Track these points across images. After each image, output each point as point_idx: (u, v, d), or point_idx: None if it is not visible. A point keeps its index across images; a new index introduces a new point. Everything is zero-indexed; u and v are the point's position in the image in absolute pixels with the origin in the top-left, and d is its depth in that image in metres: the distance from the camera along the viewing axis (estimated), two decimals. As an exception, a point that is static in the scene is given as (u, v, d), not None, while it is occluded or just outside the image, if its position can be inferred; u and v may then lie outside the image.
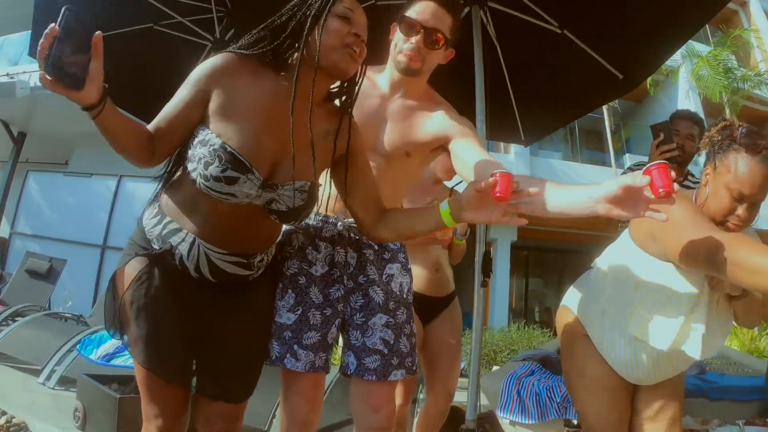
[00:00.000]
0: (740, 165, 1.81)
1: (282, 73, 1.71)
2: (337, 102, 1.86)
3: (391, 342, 1.91)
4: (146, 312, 1.63)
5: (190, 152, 1.62)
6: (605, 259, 2.26)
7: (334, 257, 1.97)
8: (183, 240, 1.65)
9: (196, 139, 1.61)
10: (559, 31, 4.03)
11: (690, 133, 3.30)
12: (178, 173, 1.76)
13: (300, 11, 1.67)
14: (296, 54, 1.66)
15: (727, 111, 16.05)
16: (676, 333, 1.94)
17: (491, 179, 1.37)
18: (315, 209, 1.92)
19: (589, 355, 2.24)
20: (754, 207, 1.84)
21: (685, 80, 17.20)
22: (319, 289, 1.92)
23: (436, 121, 1.96)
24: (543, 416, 3.46)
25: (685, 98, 16.87)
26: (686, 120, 3.40)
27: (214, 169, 1.54)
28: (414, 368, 1.98)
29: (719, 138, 1.92)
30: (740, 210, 1.83)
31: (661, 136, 3.04)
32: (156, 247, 1.67)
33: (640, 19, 3.82)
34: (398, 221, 1.83)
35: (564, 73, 4.39)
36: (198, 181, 1.57)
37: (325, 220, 1.98)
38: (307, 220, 1.95)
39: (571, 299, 2.39)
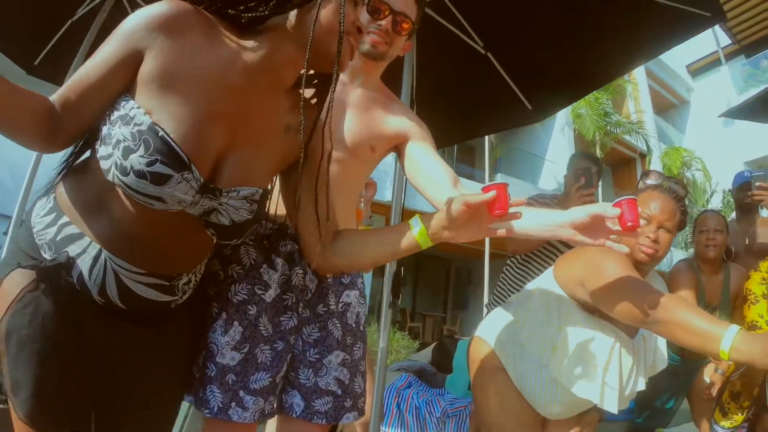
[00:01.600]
0: (647, 198, 2.13)
1: (250, 40, 1.34)
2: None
3: (346, 382, 1.72)
4: (30, 348, 1.21)
5: (104, 130, 1.23)
6: (526, 296, 2.37)
7: (290, 279, 1.68)
8: (84, 251, 1.27)
9: (115, 114, 1.23)
10: (483, 52, 4.17)
11: (582, 167, 3.68)
12: (85, 155, 1.37)
13: None
14: (278, 18, 1.34)
15: (598, 150, 17.45)
16: (595, 388, 2.11)
17: (489, 194, 1.28)
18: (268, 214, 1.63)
19: (506, 390, 2.32)
20: (661, 233, 2.09)
21: (563, 114, 18.43)
22: (268, 318, 1.63)
23: (397, 117, 1.90)
24: (422, 430, 3.57)
25: (560, 131, 18.05)
26: (586, 159, 3.75)
27: (137, 160, 1.17)
28: (364, 409, 1.80)
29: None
30: (653, 234, 2.07)
31: (583, 180, 3.28)
32: (47, 257, 1.27)
33: (557, 61, 4.13)
34: (356, 246, 1.54)
35: (477, 91, 4.56)
36: (112, 172, 1.20)
37: (282, 231, 1.69)
38: (259, 228, 1.65)
39: (487, 331, 2.46)
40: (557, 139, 18.71)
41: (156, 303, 1.36)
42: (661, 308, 1.72)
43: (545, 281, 2.29)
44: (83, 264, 1.26)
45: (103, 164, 1.22)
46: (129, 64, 1.24)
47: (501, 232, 1.37)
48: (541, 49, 4.07)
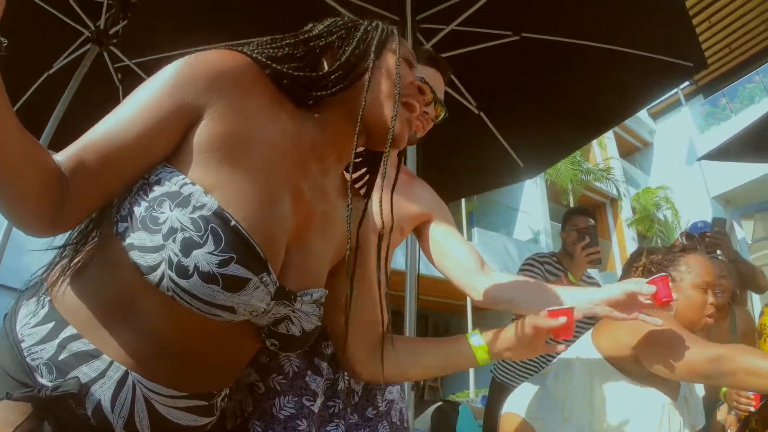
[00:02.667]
0: (694, 264, 2.18)
1: (307, 111, 1.18)
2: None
3: None
4: None
5: (136, 210, 0.94)
6: (564, 367, 2.33)
7: (335, 383, 1.53)
8: (103, 374, 0.95)
9: (157, 189, 0.95)
10: (476, 112, 4.32)
11: (584, 225, 3.73)
12: (93, 239, 1.07)
13: (357, 33, 1.19)
14: (338, 93, 1.14)
15: (570, 197, 17.81)
16: None
17: (559, 320, 1.31)
18: None
19: None
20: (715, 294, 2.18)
21: (535, 166, 18.84)
22: (316, 430, 1.46)
23: (420, 196, 1.87)
24: None
25: (533, 182, 18.32)
26: (583, 215, 3.84)
27: (204, 258, 0.91)
28: None
29: (664, 257, 2.21)
30: (711, 299, 2.15)
31: (587, 239, 3.37)
32: (46, 382, 0.94)
33: (547, 119, 4.32)
34: (404, 356, 1.38)
35: (470, 150, 4.70)
36: (162, 272, 0.91)
37: (322, 330, 1.46)
38: None
39: (522, 407, 2.36)
40: (530, 189, 19.03)
41: (191, 429, 1.10)
42: (725, 360, 1.75)
43: (583, 350, 2.26)
44: (103, 391, 0.95)
45: (143, 258, 0.91)
46: (180, 123, 0.97)
47: (560, 347, 1.41)
48: (532, 108, 4.26)
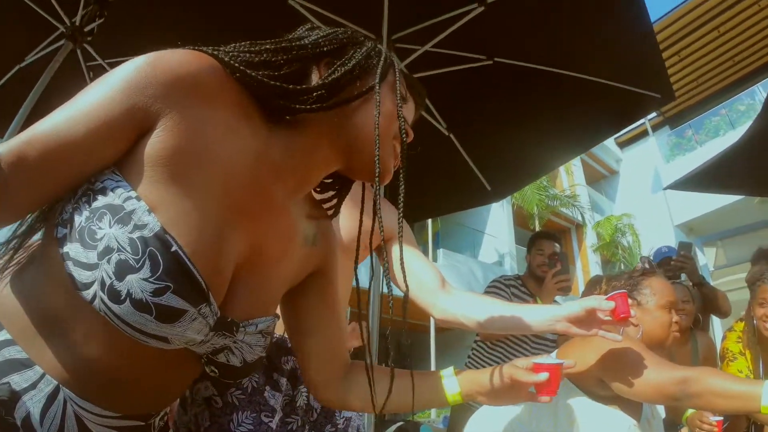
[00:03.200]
0: (656, 286, 2.27)
1: (280, 129, 1.06)
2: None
3: None
4: None
5: (77, 218, 0.87)
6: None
7: (294, 399, 1.51)
8: (34, 386, 0.89)
9: (100, 199, 0.87)
10: (446, 133, 4.36)
11: (554, 251, 3.82)
12: (36, 240, 1.00)
13: (357, 54, 1.09)
14: (316, 112, 1.03)
15: (536, 222, 18.02)
16: None
17: (541, 376, 1.27)
18: None
19: None
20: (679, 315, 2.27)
21: (502, 190, 19.08)
22: None
23: (385, 214, 1.84)
24: None
25: (500, 206, 18.51)
26: (549, 240, 3.90)
27: (138, 285, 0.83)
28: None
29: (626, 283, 2.27)
30: (675, 317, 2.24)
31: (558, 265, 3.41)
32: None
33: (516, 143, 4.41)
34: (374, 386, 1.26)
35: (438, 171, 4.66)
36: (94, 292, 0.85)
37: (282, 345, 1.52)
38: None
39: (482, 426, 2.32)
40: (496, 213, 19.21)
41: None
42: (692, 381, 1.79)
43: None
44: (33, 404, 0.88)
45: (77, 273, 0.85)
46: (130, 129, 0.88)
47: (544, 399, 1.33)
48: (502, 132, 4.32)
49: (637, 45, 3.37)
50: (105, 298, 0.84)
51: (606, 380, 1.99)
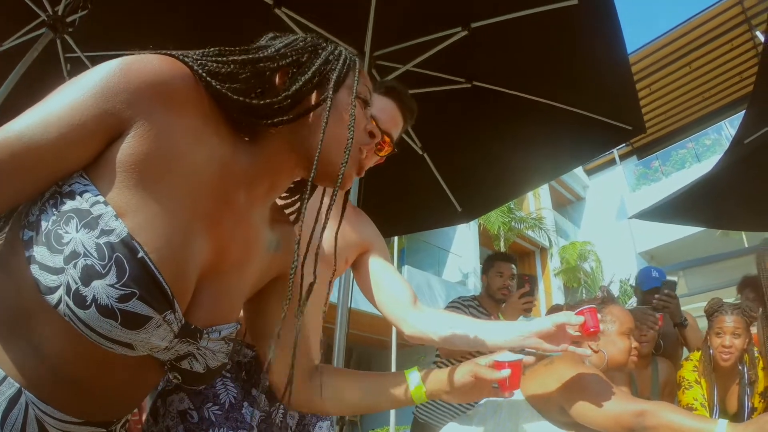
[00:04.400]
0: (617, 313, 2.36)
1: (245, 137, 1.09)
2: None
3: None
4: None
5: (43, 221, 0.86)
6: (492, 409, 2.37)
7: (270, 416, 1.46)
8: None
9: (68, 203, 0.86)
10: (420, 153, 4.41)
11: (513, 273, 3.89)
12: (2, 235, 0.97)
13: (316, 60, 1.10)
14: (279, 125, 1.05)
15: (502, 243, 18.18)
16: None
17: (503, 372, 1.31)
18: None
19: None
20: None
21: (469, 209, 19.20)
22: None
23: (362, 227, 1.84)
24: None
25: (466, 225, 18.59)
26: (508, 262, 3.97)
27: (104, 290, 0.83)
28: None
29: None
30: (634, 343, 2.32)
31: (527, 287, 3.49)
32: None
33: (488, 166, 4.47)
34: (340, 389, 1.31)
35: (410, 189, 4.78)
36: (59, 297, 0.84)
37: (261, 359, 1.40)
38: (236, 356, 1.46)
39: None
40: (462, 232, 19.33)
41: None
42: (649, 415, 1.84)
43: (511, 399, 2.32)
44: None
45: (42, 277, 0.84)
46: (101, 134, 0.87)
47: (507, 395, 1.37)
48: (475, 154, 4.39)
49: (613, 77, 3.47)
50: (70, 302, 0.83)
51: (566, 407, 2.03)
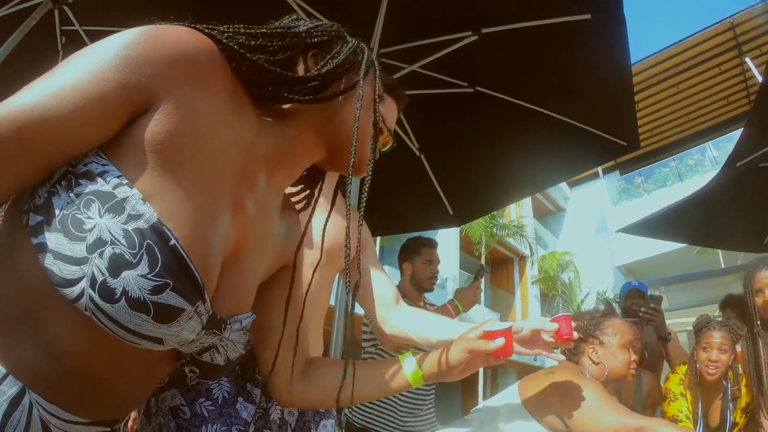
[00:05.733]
0: (618, 327, 2.40)
1: (269, 118, 1.04)
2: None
3: None
4: None
5: (55, 202, 0.77)
6: (490, 416, 2.40)
7: (267, 412, 1.40)
8: None
9: (88, 186, 0.77)
10: (417, 154, 4.40)
11: (439, 260, 4.06)
12: None
13: (345, 47, 1.08)
14: (308, 103, 1.02)
15: (483, 249, 18.26)
16: None
17: (497, 342, 1.31)
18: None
19: None
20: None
21: (451, 212, 19.26)
22: None
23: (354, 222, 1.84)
24: None
25: (447, 229, 18.67)
26: (435, 249, 4.05)
27: (135, 281, 0.76)
28: None
29: (589, 323, 2.37)
30: (633, 356, 2.37)
31: (481, 278, 3.80)
32: None
33: (482, 172, 4.47)
34: (336, 380, 1.23)
35: (405, 189, 4.76)
36: (82, 290, 0.75)
37: (252, 353, 1.37)
38: None
39: None
40: (444, 236, 19.30)
41: None
42: (647, 431, 1.88)
43: (509, 399, 2.34)
44: None
45: (59, 268, 0.75)
46: (125, 109, 0.79)
47: (500, 361, 1.38)
48: (472, 159, 4.38)
49: (614, 93, 3.48)
50: (95, 296, 0.74)
51: (564, 416, 2.05)
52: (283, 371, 1.21)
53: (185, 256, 0.80)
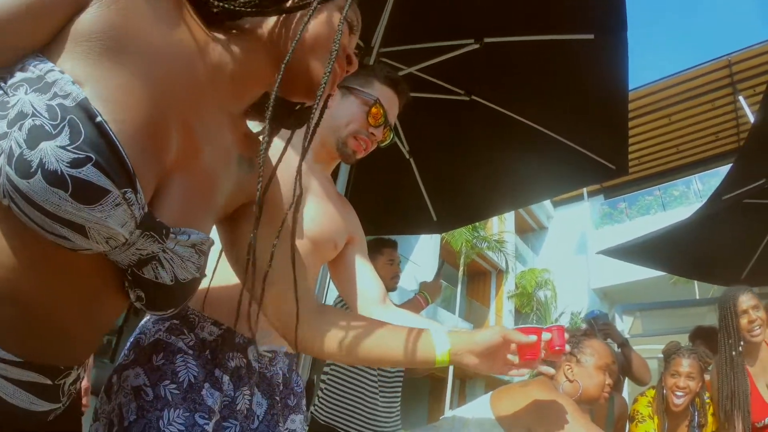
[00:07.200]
0: (597, 347, 2.40)
1: (219, 34, 0.99)
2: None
3: None
4: None
5: None
6: (459, 425, 2.37)
7: (234, 401, 1.32)
8: None
9: (18, 75, 0.74)
10: (407, 157, 4.38)
11: (399, 260, 4.04)
12: None
13: None
14: (255, 20, 1.00)
15: (462, 259, 18.30)
16: None
17: (530, 337, 1.30)
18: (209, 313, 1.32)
19: None
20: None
21: (432, 221, 19.30)
22: None
23: (350, 217, 1.78)
24: None
25: (429, 236, 18.65)
26: (396, 249, 4.01)
27: (53, 152, 0.69)
28: None
29: (569, 341, 2.38)
30: (608, 380, 2.36)
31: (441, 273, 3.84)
32: None
33: (470, 182, 4.48)
34: (360, 338, 1.21)
35: (392, 192, 4.72)
36: (2, 173, 0.69)
37: (229, 338, 1.35)
38: (200, 331, 1.32)
39: None
40: (425, 243, 19.35)
41: (25, 415, 0.82)
42: None
43: (480, 410, 2.32)
44: None
45: None
46: (64, 8, 0.77)
47: (518, 373, 1.35)
48: (461, 167, 4.37)
49: (609, 116, 3.49)
50: (11, 172, 0.68)
51: (532, 430, 2.04)
52: (290, 320, 1.16)
53: (112, 134, 0.74)
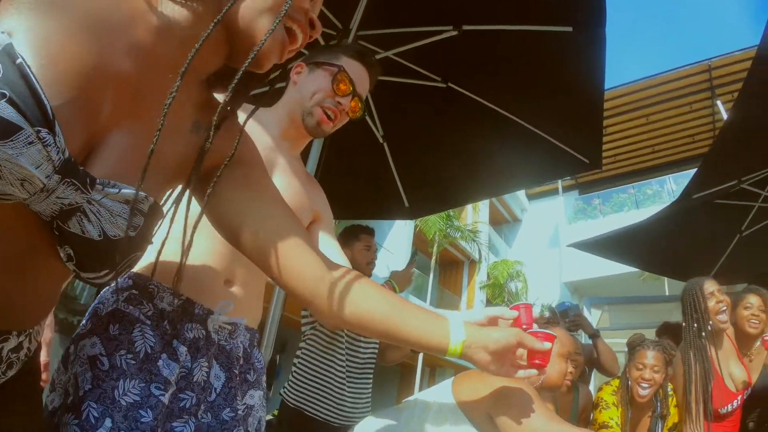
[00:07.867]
0: (559, 334, 2.37)
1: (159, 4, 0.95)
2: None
3: None
4: None
5: None
6: (421, 409, 2.33)
7: (191, 373, 1.30)
8: None
9: None
10: (381, 141, 4.37)
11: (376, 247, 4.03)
12: None
13: None
14: None
15: (435, 248, 18.34)
16: None
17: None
18: (167, 282, 1.27)
19: None
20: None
21: (406, 209, 19.31)
22: (161, 427, 1.20)
23: (318, 195, 1.78)
24: None
25: (403, 224, 18.66)
26: (372, 236, 4.00)
27: None
28: None
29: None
30: (570, 367, 2.41)
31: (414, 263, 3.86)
32: None
33: (443, 169, 4.51)
34: (380, 307, 1.16)
35: (365, 176, 4.73)
36: None
37: (188, 309, 1.33)
38: (159, 302, 1.30)
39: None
40: (398, 230, 19.32)
41: None
42: None
43: (442, 395, 2.31)
44: None
45: None
46: None
47: (540, 371, 1.33)
48: (434, 154, 4.39)
49: (585, 110, 3.51)
50: None
51: (493, 416, 2.04)
52: (305, 281, 1.13)
53: (31, 75, 0.71)
